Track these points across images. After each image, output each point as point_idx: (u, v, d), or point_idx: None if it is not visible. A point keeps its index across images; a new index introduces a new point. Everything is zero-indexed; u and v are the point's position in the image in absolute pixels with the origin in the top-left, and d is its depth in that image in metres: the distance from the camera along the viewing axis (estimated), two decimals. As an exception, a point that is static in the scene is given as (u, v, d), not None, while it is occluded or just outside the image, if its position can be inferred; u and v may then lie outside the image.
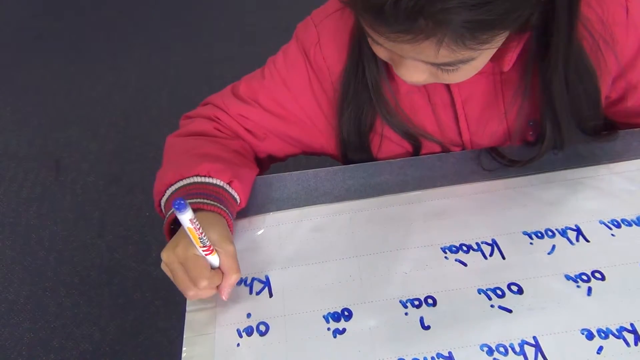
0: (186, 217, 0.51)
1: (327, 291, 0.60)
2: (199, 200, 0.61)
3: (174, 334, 1.44)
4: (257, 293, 0.61)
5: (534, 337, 0.54)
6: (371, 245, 0.63)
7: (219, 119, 0.73)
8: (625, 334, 0.53)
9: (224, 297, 0.58)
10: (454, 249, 0.62)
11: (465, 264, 0.60)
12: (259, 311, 0.59)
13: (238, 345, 0.57)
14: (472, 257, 0.61)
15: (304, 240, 0.65)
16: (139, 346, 1.43)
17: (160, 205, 0.66)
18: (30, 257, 1.67)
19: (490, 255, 0.61)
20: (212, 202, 0.62)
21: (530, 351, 0.53)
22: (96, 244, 1.69)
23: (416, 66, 0.53)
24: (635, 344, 0.52)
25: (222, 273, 0.58)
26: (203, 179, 0.64)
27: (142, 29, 2.63)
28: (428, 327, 0.56)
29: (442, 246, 0.62)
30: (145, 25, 2.65)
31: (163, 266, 0.59)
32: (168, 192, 0.64)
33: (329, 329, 0.57)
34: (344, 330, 0.56)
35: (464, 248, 0.62)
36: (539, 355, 0.52)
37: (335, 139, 0.74)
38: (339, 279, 0.61)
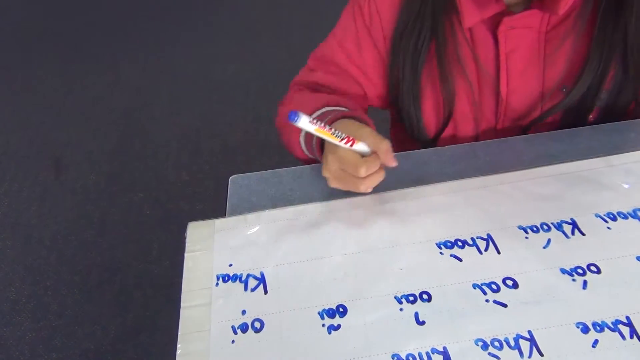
0: (305, 121, 0.55)
1: (322, 288, 0.60)
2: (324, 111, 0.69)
3: (175, 332, 1.45)
4: (252, 290, 0.61)
5: (529, 332, 0.53)
6: (366, 242, 0.63)
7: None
8: (620, 327, 0.53)
9: (393, 164, 0.61)
10: (449, 244, 0.61)
11: (460, 259, 0.60)
12: (254, 308, 0.59)
13: (233, 342, 0.56)
14: (467, 252, 0.60)
15: (299, 237, 0.65)
16: (141, 344, 1.43)
17: (300, 144, 0.71)
18: (31, 256, 1.68)
19: (486, 250, 0.60)
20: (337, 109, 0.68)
21: (525, 345, 0.53)
22: (97, 243, 1.69)
23: None
24: (631, 337, 0.52)
25: (377, 154, 0.61)
26: (335, 108, 0.69)
27: (141, 28, 2.63)
28: (423, 323, 0.55)
29: (437, 242, 0.62)
30: (144, 24, 2.65)
31: (330, 184, 0.64)
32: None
33: (323, 325, 0.56)
34: (338, 326, 0.56)
35: (459, 243, 0.61)
36: (534, 349, 0.52)
37: (383, 88, 0.80)
38: (333, 275, 0.60)
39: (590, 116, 0.74)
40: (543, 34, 0.69)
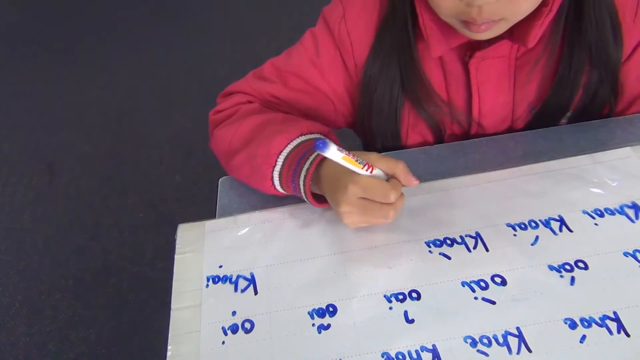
0: (334, 150, 0.52)
1: (311, 287, 0.60)
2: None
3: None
4: (242, 291, 0.61)
5: (517, 328, 0.54)
6: (355, 241, 0.63)
7: (252, 103, 0.75)
8: (608, 322, 0.53)
9: (416, 183, 0.59)
10: (438, 242, 0.62)
11: (449, 257, 0.60)
12: (244, 309, 0.59)
13: (223, 343, 0.57)
14: (456, 251, 0.61)
15: (289, 238, 0.65)
16: (135, 347, 1.43)
17: (272, 180, 0.65)
18: (24, 261, 1.67)
19: (474, 248, 0.61)
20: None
21: (513, 342, 0.53)
22: (91, 247, 1.69)
23: None
24: (618, 332, 0.52)
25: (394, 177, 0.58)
26: (308, 136, 0.65)
27: (133, 31, 2.62)
28: (412, 321, 0.56)
29: (426, 240, 0.62)
30: (137, 27, 2.65)
31: (348, 220, 0.59)
32: (280, 159, 0.64)
33: (313, 325, 0.57)
34: (328, 325, 0.57)
35: (448, 242, 0.62)
36: (522, 345, 0.53)
37: (350, 107, 0.78)
38: (323, 275, 0.61)
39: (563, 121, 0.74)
40: (514, 60, 0.69)
